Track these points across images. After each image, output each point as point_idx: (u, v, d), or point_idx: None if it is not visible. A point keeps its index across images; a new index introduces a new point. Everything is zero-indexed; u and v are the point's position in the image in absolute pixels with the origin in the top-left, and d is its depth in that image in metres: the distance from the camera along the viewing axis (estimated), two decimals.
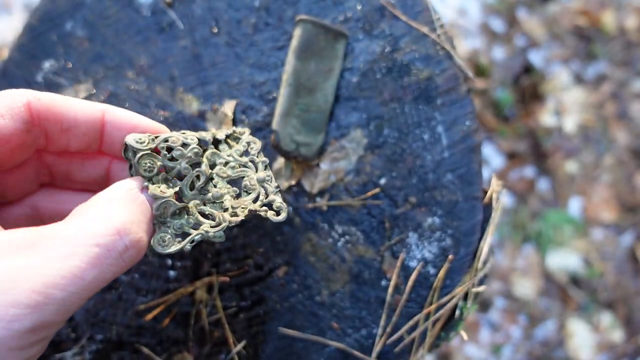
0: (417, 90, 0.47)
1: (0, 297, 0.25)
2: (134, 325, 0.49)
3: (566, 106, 1.80)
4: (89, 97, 0.51)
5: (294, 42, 0.46)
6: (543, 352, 1.56)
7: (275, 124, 0.46)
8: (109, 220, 0.29)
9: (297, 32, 0.46)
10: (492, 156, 1.69)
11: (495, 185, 0.47)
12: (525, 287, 1.62)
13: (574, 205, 1.71)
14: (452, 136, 0.47)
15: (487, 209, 0.47)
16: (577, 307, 1.60)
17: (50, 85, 0.52)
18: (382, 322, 0.46)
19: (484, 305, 1.59)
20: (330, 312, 0.47)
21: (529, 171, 1.72)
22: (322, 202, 0.47)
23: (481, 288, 0.45)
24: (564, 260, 1.65)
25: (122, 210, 0.30)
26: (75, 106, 0.35)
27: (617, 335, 1.59)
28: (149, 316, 0.50)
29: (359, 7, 0.48)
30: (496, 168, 1.70)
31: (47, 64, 0.53)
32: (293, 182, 0.48)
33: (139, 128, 0.36)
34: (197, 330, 0.49)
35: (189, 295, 0.50)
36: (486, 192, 0.47)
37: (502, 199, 0.46)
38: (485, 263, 0.46)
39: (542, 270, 1.63)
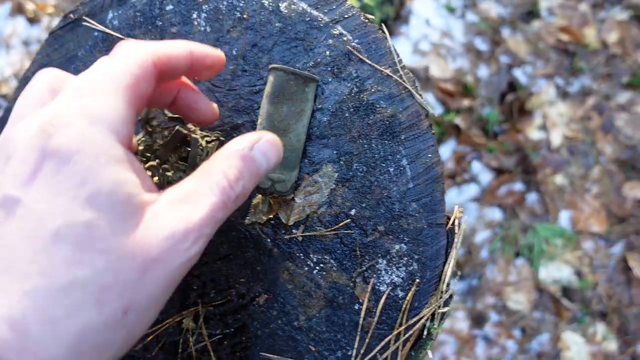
0: (382, 127, 0.51)
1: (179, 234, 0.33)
2: (126, 355, 0.53)
3: (553, 121, 1.84)
4: None
5: (267, 88, 0.50)
6: None
7: None
8: (227, 176, 0.37)
9: (270, 79, 0.50)
10: (481, 172, 1.73)
11: (457, 212, 0.51)
12: (519, 301, 1.64)
13: (564, 218, 1.74)
14: (415, 168, 0.50)
15: (451, 234, 0.50)
16: (571, 319, 1.62)
17: None
18: (356, 344, 0.50)
19: (479, 320, 1.62)
20: (307, 336, 0.50)
21: (518, 186, 1.76)
22: (297, 233, 0.51)
23: (446, 309, 0.49)
24: (557, 272, 1.67)
25: (233, 166, 0.38)
26: (179, 55, 0.40)
27: (612, 345, 1.61)
28: (140, 346, 0.53)
29: (327, 53, 0.52)
30: (485, 184, 1.73)
31: None
32: (271, 216, 0.52)
33: (210, 57, 0.43)
34: (186, 357, 0.53)
35: (177, 325, 0.53)
36: (449, 219, 0.51)
37: (463, 224, 0.50)
38: (449, 285, 0.49)
39: (535, 284, 1.65)
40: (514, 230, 1.68)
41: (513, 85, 1.83)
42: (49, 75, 0.38)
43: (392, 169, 0.51)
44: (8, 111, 0.58)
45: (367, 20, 0.52)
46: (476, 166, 1.74)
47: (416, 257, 0.50)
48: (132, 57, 0.37)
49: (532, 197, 1.74)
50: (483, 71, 1.84)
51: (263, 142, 0.41)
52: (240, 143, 0.40)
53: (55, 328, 0.29)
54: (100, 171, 0.32)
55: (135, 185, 0.34)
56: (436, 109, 1.75)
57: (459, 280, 1.65)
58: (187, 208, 0.35)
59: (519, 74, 1.86)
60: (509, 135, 1.79)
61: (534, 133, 1.81)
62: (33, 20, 1.77)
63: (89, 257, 0.31)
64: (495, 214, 1.71)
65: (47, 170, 0.32)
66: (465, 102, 1.78)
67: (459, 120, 1.75)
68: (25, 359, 0.29)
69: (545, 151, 1.79)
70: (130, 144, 0.37)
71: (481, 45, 1.88)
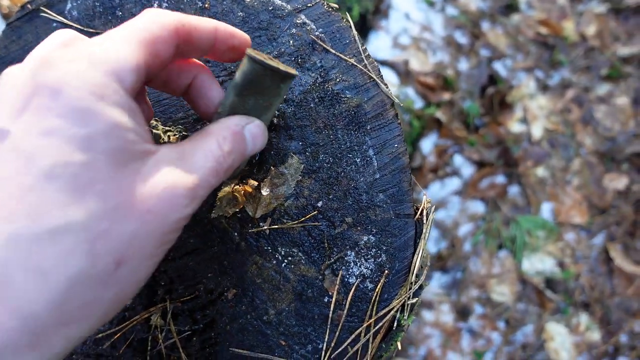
0: (348, 117, 0.50)
1: (170, 191, 0.33)
2: (93, 353, 0.52)
3: (533, 113, 1.85)
4: None
5: (238, 78, 0.44)
6: (524, 356, 1.59)
7: None
8: (221, 147, 0.38)
9: (244, 69, 0.43)
10: (463, 165, 1.73)
11: (425, 202, 0.50)
12: (503, 293, 1.65)
13: (546, 210, 1.75)
14: (382, 159, 0.50)
15: (419, 225, 0.50)
16: (554, 310, 1.63)
17: None
18: (326, 337, 0.49)
19: (464, 313, 1.62)
20: (277, 330, 0.50)
21: (500, 179, 1.76)
22: (265, 227, 0.50)
23: (416, 299, 0.48)
24: (539, 264, 1.68)
25: (227, 139, 0.39)
26: (203, 29, 0.40)
27: (595, 335, 1.62)
28: (107, 344, 0.52)
29: (291, 42, 0.52)
30: (467, 177, 1.74)
31: None
32: (237, 209, 0.51)
33: (236, 38, 0.43)
34: (155, 355, 0.52)
35: (145, 322, 0.52)
36: (418, 209, 0.50)
37: (432, 215, 0.49)
38: (418, 276, 0.49)
39: (518, 276, 1.66)
40: (496, 222, 1.69)
41: (493, 79, 1.84)
42: (64, 33, 0.36)
43: (359, 160, 0.50)
44: None
45: (330, 9, 0.51)
46: (458, 159, 1.75)
47: (385, 248, 0.49)
48: (154, 19, 0.36)
49: (513, 190, 1.74)
50: (463, 64, 1.85)
51: (254, 126, 0.43)
52: (234, 120, 0.41)
53: (41, 278, 0.27)
54: (100, 112, 0.30)
55: (136, 133, 0.33)
56: (417, 103, 1.75)
57: (442, 273, 1.65)
58: (186, 167, 0.35)
59: (499, 67, 1.87)
60: (490, 128, 1.80)
61: (514, 126, 1.82)
62: (8, 16, 1.73)
63: (85, 199, 0.28)
64: (478, 207, 1.71)
65: (37, 103, 0.30)
66: (446, 96, 1.78)
67: (439, 114, 1.75)
68: (5, 313, 0.26)
69: (526, 144, 1.80)
70: (137, 96, 0.36)
71: (461, 38, 1.88)
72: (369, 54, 0.51)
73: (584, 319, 1.64)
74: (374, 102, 0.50)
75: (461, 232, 1.69)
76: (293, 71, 0.45)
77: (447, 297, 1.64)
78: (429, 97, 1.78)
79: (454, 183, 1.72)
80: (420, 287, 0.49)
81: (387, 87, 0.50)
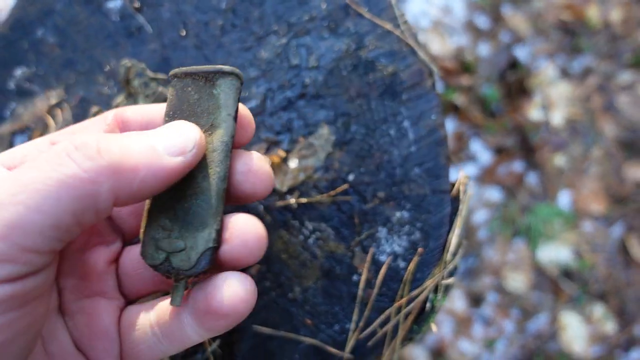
0: (382, 86, 0.48)
1: None
2: None
3: (553, 100, 1.81)
4: (60, 103, 0.52)
5: (166, 108, 0.35)
6: (536, 345, 1.57)
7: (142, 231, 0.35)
8: (66, 148, 0.28)
9: (169, 93, 0.35)
10: (480, 151, 1.70)
11: (462, 178, 0.47)
12: (517, 281, 1.62)
13: (564, 198, 1.71)
14: (418, 131, 0.47)
15: (455, 201, 0.47)
16: (569, 300, 1.61)
17: (22, 92, 0.53)
18: (354, 317, 0.47)
19: (477, 300, 1.60)
20: (303, 308, 0.48)
21: (517, 166, 1.73)
22: (292, 200, 0.48)
23: (450, 280, 0.46)
24: (555, 253, 1.65)
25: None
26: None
27: (609, 326, 1.60)
28: None
29: (324, 6, 0.49)
30: (484, 163, 1.71)
31: (19, 71, 0.53)
32: None
33: None
34: None
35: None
36: (454, 185, 0.48)
37: (469, 192, 0.47)
38: (454, 255, 0.46)
39: (533, 264, 1.64)
40: (512, 210, 1.66)
41: (513, 64, 1.79)
42: None
43: (393, 132, 0.47)
44: None
45: None
46: (475, 145, 1.71)
47: (419, 225, 0.47)
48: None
49: (531, 177, 1.71)
50: (483, 49, 1.80)
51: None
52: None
53: None
54: None
55: None
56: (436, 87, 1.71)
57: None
58: None
59: (520, 53, 1.83)
60: (508, 114, 1.76)
61: (533, 112, 1.78)
62: None
63: None
64: (494, 194, 1.68)
65: None
66: (465, 80, 1.74)
67: (458, 99, 1.72)
68: None
69: (545, 131, 1.76)
70: None
71: (481, 22, 1.84)
72: (406, 20, 0.48)
73: (599, 309, 1.62)
74: (410, 71, 0.48)
75: (476, 218, 1.66)
76: (224, 68, 0.34)
77: (460, 283, 1.62)
78: (449, 81, 1.74)
79: (470, 169, 1.69)
80: (455, 267, 0.47)
81: (425, 55, 0.47)
